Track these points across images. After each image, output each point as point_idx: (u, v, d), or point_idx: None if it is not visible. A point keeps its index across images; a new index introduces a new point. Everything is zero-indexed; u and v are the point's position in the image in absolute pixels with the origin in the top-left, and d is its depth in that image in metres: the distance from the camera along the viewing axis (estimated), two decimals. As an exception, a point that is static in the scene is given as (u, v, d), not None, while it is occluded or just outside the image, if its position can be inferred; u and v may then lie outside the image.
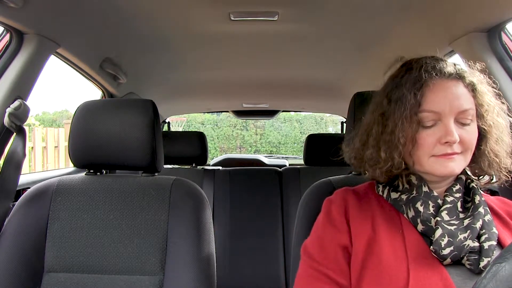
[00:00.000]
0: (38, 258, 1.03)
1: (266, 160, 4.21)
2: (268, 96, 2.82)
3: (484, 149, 0.79)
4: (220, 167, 2.44)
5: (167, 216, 1.05)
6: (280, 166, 2.52)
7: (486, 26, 1.20)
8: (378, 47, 1.68)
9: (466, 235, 0.73)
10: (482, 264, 0.71)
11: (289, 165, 3.36)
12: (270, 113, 3.41)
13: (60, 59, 1.52)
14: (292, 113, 8.95)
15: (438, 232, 0.73)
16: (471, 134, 0.76)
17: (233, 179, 2.31)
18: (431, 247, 0.73)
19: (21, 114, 1.17)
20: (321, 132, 8.22)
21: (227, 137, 9.50)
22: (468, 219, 0.75)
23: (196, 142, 2.36)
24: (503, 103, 0.82)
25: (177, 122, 7.15)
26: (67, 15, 1.28)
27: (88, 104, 1.13)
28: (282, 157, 5.28)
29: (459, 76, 0.77)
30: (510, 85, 1.20)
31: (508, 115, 0.83)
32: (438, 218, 0.75)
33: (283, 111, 3.53)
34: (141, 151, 1.09)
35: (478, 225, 0.74)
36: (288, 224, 2.13)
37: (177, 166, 2.62)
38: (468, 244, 0.72)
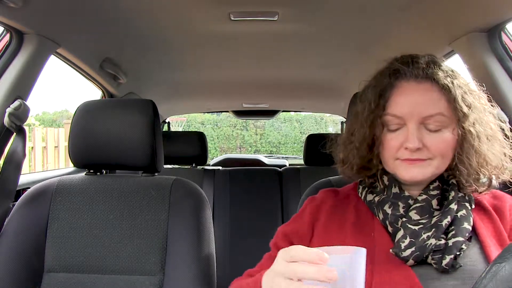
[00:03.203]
0: (38, 258, 1.03)
1: (266, 160, 4.21)
2: (268, 96, 2.82)
3: (459, 157, 0.74)
4: (220, 167, 2.45)
5: (167, 216, 1.05)
6: (280, 166, 2.52)
7: (486, 26, 1.20)
8: (378, 47, 1.68)
9: (430, 233, 0.71)
10: (444, 262, 0.69)
11: (289, 165, 3.37)
12: (270, 113, 3.41)
13: (60, 59, 1.52)
14: (292, 113, 8.95)
15: (399, 234, 0.72)
16: (439, 141, 0.72)
17: (233, 179, 2.31)
18: (391, 250, 0.71)
19: (21, 114, 1.17)
20: (321, 132, 8.22)
21: (227, 137, 9.50)
22: (437, 216, 0.73)
23: (196, 142, 2.37)
24: (492, 106, 0.78)
25: (177, 122, 7.15)
26: (67, 15, 1.28)
27: (88, 104, 1.13)
28: (282, 157, 5.29)
29: (432, 79, 0.73)
30: (510, 85, 1.20)
31: (500, 119, 0.78)
32: (405, 219, 0.74)
33: (283, 111, 3.53)
34: (141, 151, 1.09)
35: (445, 222, 0.72)
36: (288, 224, 2.13)
37: (177, 166, 2.62)
38: (431, 243, 0.70)
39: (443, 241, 0.71)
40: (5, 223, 1.07)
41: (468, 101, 0.73)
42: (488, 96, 0.79)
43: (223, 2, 1.29)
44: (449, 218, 0.72)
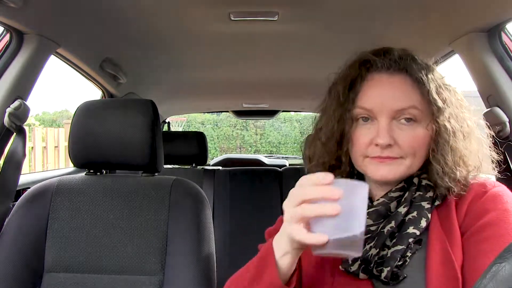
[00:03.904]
0: (38, 258, 1.03)
1: (266, 160, 4.22)
2: (268, 96, 2.82)
3: (433, 154, 0.68)
4: (220, 167, 2.45)
5: (167, 216, 1.05)
6: (280, 166, 2.52)
7: (486, 26, 1.20)
8: (378, 47, 1.68)
9: (372, 243, 0.66)
10: (383, 275, 0.63)
11: (289, 165, 3.37)
12: (270, 113, 3.42)
13: (60, 59, 1.52)
14: (292, 113, 8.95)
15: None
16: (411, 137, 0.67)
17: (233, 179, 2.31)
18: (340, 266, 0.67)
19: (21, 114, 1.17)
20: (321, 132, 8.19)
21: (227, 137, 9.50)
22: (383, 223, 0.67)
23: (196, 142, 2.37)
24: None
25: (177, 122, 7.15)
26: (67, 15, 1.28)
27: (88, 104, 1.13)
28: (282, 157, 5.29)
29: (405, 71, 0.68)
30: (510, 85, 1.20)
31: (484, 118, 0.75)
32: None
33: (283, 111, 3.54)
34: (141, 151, 1.09)
35: (388, 228, 0.66)
36: (288, 224, 2.13)
37: (177, 166, 2.62)
38: (372, 253, 0.65)
39: (385, 251, 0.65)
40: (5, 223, 1.07)
41: (444, 95, 0.68)
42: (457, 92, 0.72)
43: (223, 2, 1.29)
44: (393, 224, 0.66)
